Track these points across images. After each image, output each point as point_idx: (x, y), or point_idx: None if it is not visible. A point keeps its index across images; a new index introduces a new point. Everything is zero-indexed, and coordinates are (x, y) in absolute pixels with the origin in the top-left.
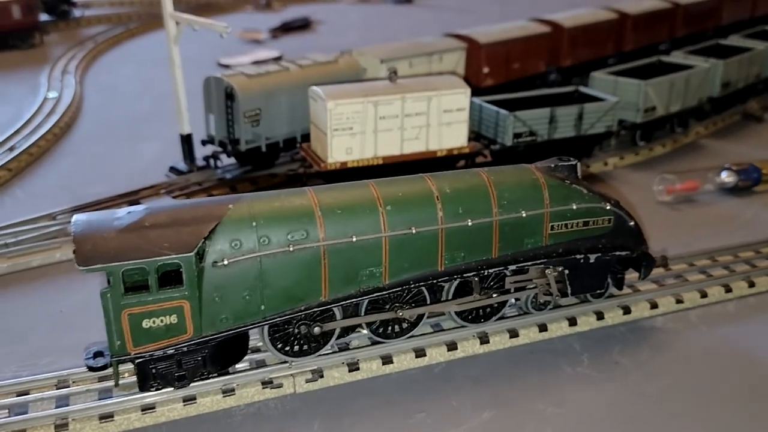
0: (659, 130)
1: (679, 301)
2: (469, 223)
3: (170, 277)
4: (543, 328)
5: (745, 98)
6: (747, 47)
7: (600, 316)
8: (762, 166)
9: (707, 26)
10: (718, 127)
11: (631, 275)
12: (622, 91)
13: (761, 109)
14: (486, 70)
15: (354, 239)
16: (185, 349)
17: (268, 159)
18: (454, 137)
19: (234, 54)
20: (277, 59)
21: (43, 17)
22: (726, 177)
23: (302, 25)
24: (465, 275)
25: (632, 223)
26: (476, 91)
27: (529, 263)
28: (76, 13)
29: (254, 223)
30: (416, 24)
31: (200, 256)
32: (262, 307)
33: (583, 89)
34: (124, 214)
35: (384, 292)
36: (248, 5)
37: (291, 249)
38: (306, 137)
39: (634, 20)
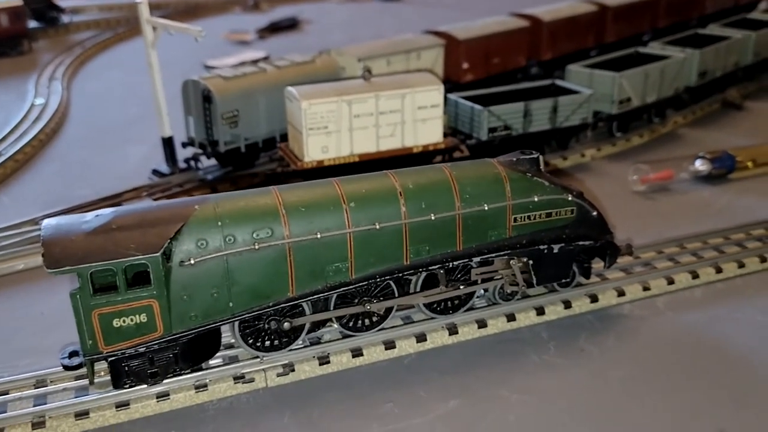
0: (636, 121)
1: (646, 289)
2: (433, 218)
3: (139, 278)
4: (511, 317)
5: (723, 87)
6: (725, 36)
7: (567, 304)
8: (736, 154)
9: (690, 16)
10: (696, 117)
11: (599, 264)
12: (597, 83)
13: (741, 98)
14: (465, 65)
15: (319, 236)
16: (156, 346)
17: (248, 159)
18: (430, 133)
19: (221, 55)
20: (263, 60)
21: (32, 24)
22: (700, 165)
23: (290, 25)
24: (431, 268)
25: (595, 213)
26: (456, 87)
27: (494, 255)
28: (65, 19)
29: (220, 223)
30: (403, 21)
31: (167, 256)
32: (231, 304)
33: (559, 82)
34: (92, 217)
35: (351, 287)
36: (236, 6)
37: (256, 247)
38: (285, 137)
39: (615, 12)
